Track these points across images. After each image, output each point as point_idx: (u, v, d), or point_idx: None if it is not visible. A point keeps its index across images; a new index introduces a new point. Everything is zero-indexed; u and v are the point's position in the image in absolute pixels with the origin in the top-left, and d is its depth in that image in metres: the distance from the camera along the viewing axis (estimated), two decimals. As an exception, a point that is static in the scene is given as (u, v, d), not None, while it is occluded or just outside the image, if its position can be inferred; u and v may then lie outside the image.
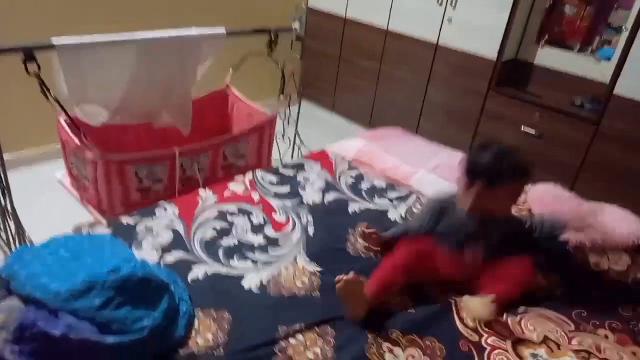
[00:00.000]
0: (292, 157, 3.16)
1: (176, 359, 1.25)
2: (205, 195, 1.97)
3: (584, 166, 2.76)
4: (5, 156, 1.88)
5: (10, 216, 2.01)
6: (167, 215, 1.82)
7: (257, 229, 1.82)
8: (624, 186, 2.62)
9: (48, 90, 1.94)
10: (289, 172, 2.24)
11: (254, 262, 1.64)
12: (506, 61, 3.01)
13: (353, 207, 2.03)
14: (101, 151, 2.11)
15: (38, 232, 1.81)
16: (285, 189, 2.11)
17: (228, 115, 3.02)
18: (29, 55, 1.82)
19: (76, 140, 2.16)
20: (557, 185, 2.17)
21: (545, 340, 1.45)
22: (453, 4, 3.08)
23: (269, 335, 1.34)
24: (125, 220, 1.77)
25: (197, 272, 1.55)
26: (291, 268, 1.61)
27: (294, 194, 2.08)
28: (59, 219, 2.29)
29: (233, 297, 1.47)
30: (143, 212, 1.82)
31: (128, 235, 1.68)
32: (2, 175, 1.90)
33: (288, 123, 3.06)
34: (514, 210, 1.86)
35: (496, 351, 1.39)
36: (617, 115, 2.58)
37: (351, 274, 1.41)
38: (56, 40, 1.89)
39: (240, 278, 1.56)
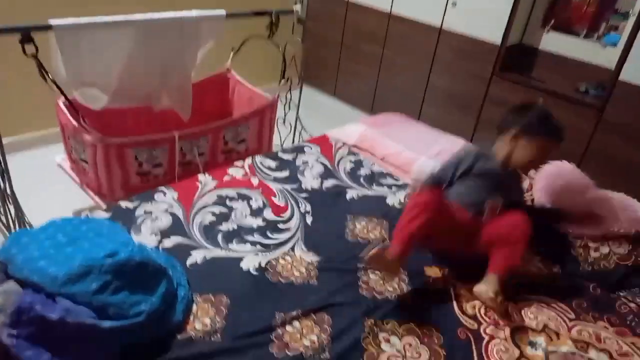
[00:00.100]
0: (293, 142, 3.14)
1: (174, 343, 1.25)
2: (205, 180, 1.96)
3: (587, 154, 2.73)
4: (5, 140, 1.87)
5: (10, 200, 2.00)
6: (166, 199, 1.81)
7: (256, 212, 1.81)
8: (627, 174, 2.60)
9: (46, 72, 1.93)
10: (288, 157, 2.23)
11: (253, 244, 1.64)
12: (510, 46, 2.97)
13: (351, 194, 2.02)
14: (100, 134, 2.10)
15: (38, 215, 1.81)
16: (284, 173, 2.10)
17: (229, 99, 2.99)
18: (26, 36, 1.79)
19: (75, 124, 2.14)
20: (564, 162, 2.10)
21: (544, 328, 1.45)
22: (458, -13, 3.03)
23: (266, 321, 1.34)
24: (125, 204, 1.76)
25: (195, 257, 1.55)
26: (289, 258, 1.61)
27: (293, 179, 2.06)
28: (58, 202, 2.30)
29: (231, 281, 1.47)
30: (142, 196, 1.81)
31: (127, 219, 1.67)
32: (2, 159, 1.89)
33: (289, 108, 3.03)
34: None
35: (494, 341, 1.39)
36: (622, 101, 2.54)
37: (374, 250, 1.43)
38: (54, 21, 1.86)
39: (239, 260, 1.55)
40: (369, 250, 1.43)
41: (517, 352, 1.36)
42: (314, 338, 1.31)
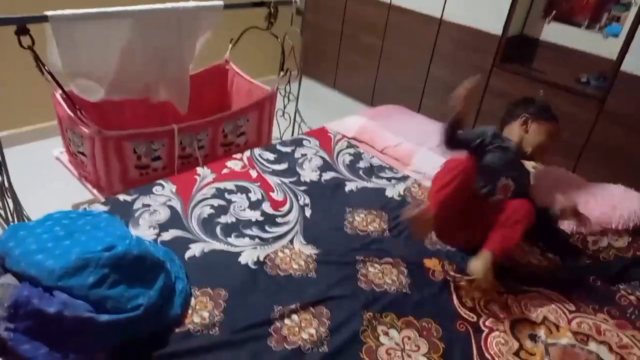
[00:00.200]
0: (292, 135, 3.12)
1: (172, 337, 1.24)
2: (203, 173, 1.95)
3: (588, 145, 2.72)
4: (2, 133, 1.86)
5: (8, 194, 1.99)
6: (164, 193, 1.80)
7: (254, 205, 1.80)
8: (628, 165, 2.59)
9: (43, 64, 1.91)
10: (287, 149, 2.22)
11: (252, 238, 1.63)
12: (511, 37, 2.94)
13: (350, 187, 2.01)
14: (98, 127, 2.08)
15: (36, 209, 1.80)
16: (283, 166, 2.09)
17: (227, 91, 2.97)
18: (22, 28, 1.78)
19: (72, 116, 2.13)
20: (559, 168, 2.14)
21: (544, 321, 1.45)
22: (458, -22, 3.00)
23: (264, 315, 1.33)
24: (123, 197, 1.75)
25: (194, 250, 1.55)
26: (288, 251, 1.60)
27: (292, 172, 2.05)
28: (57, 196, 2.29)
29: (230, 274, 1.47)
30: (140, 189, 1.81)
31: (125, 212, 1.67)
32: (-1, 152, 1.88)
33: (288, 100, 3.01)
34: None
35: (494, 333, 1.39)
36: (624, 92, 2.53)
37: (415, 210, 1.51)
38: (50, 13, 1.84)
39: (237, 255, 1.55)
40: (409, 209, 1.55)
41: (516, 345, 1.36)
42: (313, 331, 1.30)
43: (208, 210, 1.74)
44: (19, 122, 2.84)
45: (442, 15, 3.17)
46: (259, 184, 1.93)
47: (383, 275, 1.54)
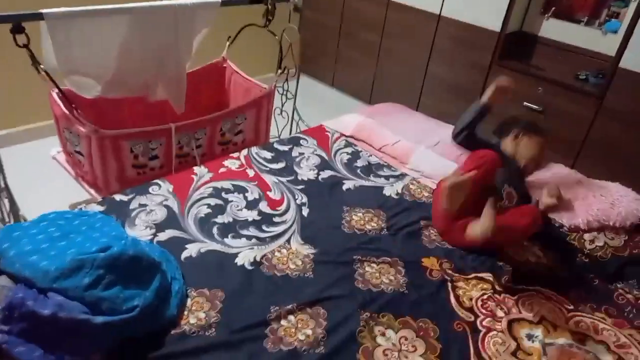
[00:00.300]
0: (290, 133, 3.11)
1: (168, 338, 1.24)
2: (200, 172, 1.95)
3: (587, 142, 2.71)
4: (-2, 133, 1.85)
5: (5, 194, 1.99)
6: (161, 192, 1.79)
7: (251, 205, 1.80)
8: (627, 161, 2.58)
9: (39, 63, 1.90)
10: (284, 147, 2.21)
11: (249, 238, 1.62)
12: (510, 33, 2.93)
13: (348, 185, 2.00)
14: (95, 126, 2.07)
15: (33, 209, 1.79)
16: (281, 165, 2.08)
17: (225, 90, 2.96)
18: (17, 26, 1.77)
19: (69, 115, 2.12)
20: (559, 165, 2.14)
21: (542, 320, 1.44)
22: (457, -26, 2.98)
23: (261, 315, 1.33)
24: (119, 197, 1.74)
25: (190, 250, 1.54)
26: (285, 251, 1.59)
27: (289, 170, 2.05)
28: (53, 196, 2.28)
29: (227, 275, 1.46)
30: (137, 189, 1.80)
31: (121, 212, 1.66)
32: (-5, 152, 1.87)
33: (286, 98, 3.00)
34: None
35: (491, 333, 1.38)
36: (623, 89, 2.51)
37: (454, 178, 1.62)
38: (45, 10, 1.83)
39: (234, 256, 1.54)
40: (447, 178, 1.69)
41: (514, 345, 1.36)
42: (309, 332, 1.30)
43: (205, 210, 1.73)
44: (16, 121, 2.83)
45: (440, 12, 3.15)
46: (256, 183, 1.92)
47: (380, 275, 1.53)
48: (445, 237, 1.74)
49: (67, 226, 1.37)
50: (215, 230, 1.64)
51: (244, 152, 2.13)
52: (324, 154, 2.20)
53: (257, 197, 1.84)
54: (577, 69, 2.79)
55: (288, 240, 1.64)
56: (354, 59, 3.82)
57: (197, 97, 2.68)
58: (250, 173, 1.98)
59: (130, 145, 2.17)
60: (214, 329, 1.27)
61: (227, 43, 2.82)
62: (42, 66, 1.91)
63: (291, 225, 1.72)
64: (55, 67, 2.00)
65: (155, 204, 1.73)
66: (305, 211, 1.80)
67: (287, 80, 2.91)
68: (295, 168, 2.06)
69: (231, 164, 2.03)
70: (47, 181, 2.45)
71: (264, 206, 1.80)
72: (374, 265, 1.57)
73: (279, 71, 2.74)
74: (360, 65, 3.77)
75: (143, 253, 1.34)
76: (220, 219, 1.70)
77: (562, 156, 2.72)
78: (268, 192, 1.88)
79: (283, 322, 1.32)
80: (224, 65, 2.90)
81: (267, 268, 1.51)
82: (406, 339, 1.33)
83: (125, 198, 1.74)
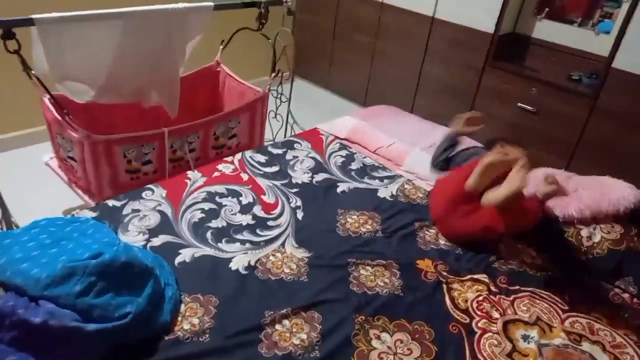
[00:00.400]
0: (285, 136, 3.10)
1: (161, 344, 1.23)
2: (194, 176, 1.94)
3: (581, 142, 2.71)
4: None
5: (-4, 200, 1.97)
6: (154, 197, 1.78)
7: (246, 209, 1.79)
8: (621, 161, 2.58)
9: (30, 69, 1.89)
10: (278, 151, 2.20)
11: (243, 243, 1.61)
12: (503, 35, 2.93)
13: (342, 187, 2.00)
14: (87, 131, 2.06)
15: (25, 216, 1.78)
16: (275, 168, 2.07)
17: (218, 93, 2.95)
18: (7, 31, 1.76)
19: (61, 120, 2.11)
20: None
21: (537, 321, 1.44)
22: (449, -24, 2.99)
23: (255, 320, 1.32)
24: (112, 203, 1.73)
25: (184, 256, 1.53)
26: (279, 255, 1.59)
27: (283, 174, 2.04)
28: (46, 202, 2.27)
29: (221, 280, 1.45)
30: (130, 194, 1.79)
31: (114, 218, 1.65)
32: (-14, 158, 1.86)
33: (281, 101, 3.00)
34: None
35: (487, 335, 1.38)
36: (616, 89, 2.52)
37: (493, 157, 1.67)
38: (36, 16, 1.82)
39: (228, 260, 1.53)
40: (488, 155, 1.74)
41: (509, 346, 1.35)
42: (304, 336, 1.29)
43: (199, 215, 1.72)
44: (8, 127, 2.81)
45: (434, 14, 3.16)
46: (250, 186, 1.92)
47: (375, 278, 1.52)
48: (441, 225, 1.74)
49: (58, 233, 1.36)
50: (209, 235, 1.63)
51: (238, 156, 2.12)
52: (318, 157, 2.19)
53: (251, 201, 1.83)
54: (570, 69, 2.79)
55: (282, 244, 1.64)
56: (348, 61, 3.82)
57: (190, 101, 2.67)
58: (244, 177, 1.98)
59: (123, 150, 2.16)
60: (207, 335, 1.26)
61: (221, 47, 2.81)
62: (33, 72, 1.90)
63: (285, 229, 1.71)
64: (46, 72, 1.98)
65: (149, 209, 1.72)
66: (299, 214, 1.80)
67: (281, 83, 2.90)
68: (290, 171, 2.06)
69: (225, 168, 2.02)
70: (40, 187, 2.43)
71: (258, 210, 1.79)
72: (368, 268, 1.56)
73: (273, 74, 2.74)
74: (354, 67, 3.77)
75: (135, 259, 1.32)
76: (214, 224, 1.69)
77: (556, 157, 2.72)
78: (262, 196, 1.88)
79: (277, 326, 1.31)
80: (218, 69, 2.89)
81: (261, 272, 1.50)
82: (401, 342, 1.32)
83: (118, 204, 1.73)
